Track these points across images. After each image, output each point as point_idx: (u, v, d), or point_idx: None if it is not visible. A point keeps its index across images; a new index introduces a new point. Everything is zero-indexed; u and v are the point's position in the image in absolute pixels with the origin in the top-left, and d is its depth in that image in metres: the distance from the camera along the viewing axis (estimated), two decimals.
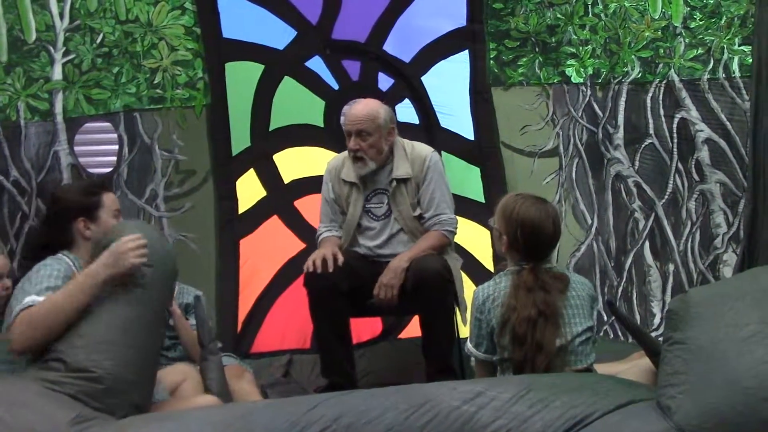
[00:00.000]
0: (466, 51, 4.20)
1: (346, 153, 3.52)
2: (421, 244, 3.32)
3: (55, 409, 2.06)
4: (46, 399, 2.10)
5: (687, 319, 1.88)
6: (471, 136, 4.24)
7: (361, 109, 3.39)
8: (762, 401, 1.66)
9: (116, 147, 4.14)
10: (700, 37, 3.82)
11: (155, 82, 4.13)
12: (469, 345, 2.51)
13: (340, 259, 3.25)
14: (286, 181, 4.26)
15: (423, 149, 3.49)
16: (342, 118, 3.47)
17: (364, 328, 4.03)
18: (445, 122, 4.26)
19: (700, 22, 3.81)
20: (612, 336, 3.93)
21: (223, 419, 1.99)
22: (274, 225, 4.22)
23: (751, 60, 3.67)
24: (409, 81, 4.23)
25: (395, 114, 3.60)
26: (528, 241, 2.42)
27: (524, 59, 4.13)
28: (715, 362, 1.76)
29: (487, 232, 4.03)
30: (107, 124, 4.13)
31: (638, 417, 1.79)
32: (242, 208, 4.22)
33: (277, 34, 4.22)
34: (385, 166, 3.42)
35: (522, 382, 1.99)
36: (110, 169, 4.11)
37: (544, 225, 2.42)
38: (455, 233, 3.46)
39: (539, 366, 2.28)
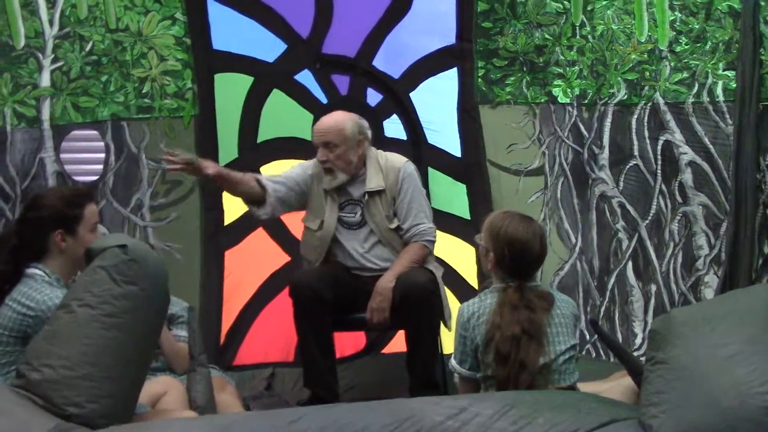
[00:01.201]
0: (455, 68, 4.24)
1: None
2: (403, 259, 3.33)
3: (31, 417, 2.03)
4: (23, 408, 2.07)
5: (669, 339, 1.90)
6: (458, 153, 4.27)
7: (328, 121, 3.44)
8: (742, 421, 1.68)
9: (103, 155, 4.13)
10: (686, 61, 3.87)
11: (144, 91, 4.13)
12: (453, 362, 2.52)
13: (210, 173, 3.27)
14: None
15: (397, 160, 3.51)
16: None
17: (348, 343, 4.03)
18: (432, 139, 4.29)
19: (686, 47, 3.87)
20: (594, 355, 3.95)
21: (204, 431, 1.98)
22: (259, 237, 4.22)
23: (734, 85, 3.73)
24: (397, 97, 4.26)
25: (370, 126, 3.59)
26: (515, 259, 2.43)
27: (512, 78, 4.17)
28: (696, 382, 1.78)
29: (472, 249, 4.05)
30: (94, 132, 4.12)
31: None
32: (228, 219, 4.22)
33: (267, 46, 4.24)
34: (358, 178, 3.44)
35: (505, 399, 2.00)
36: (96, 177, 4.09)
37: (531, 244, 2.44)
38: (434, 242, 3.48)
39: (522, 384, 2.29)
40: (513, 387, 2.31)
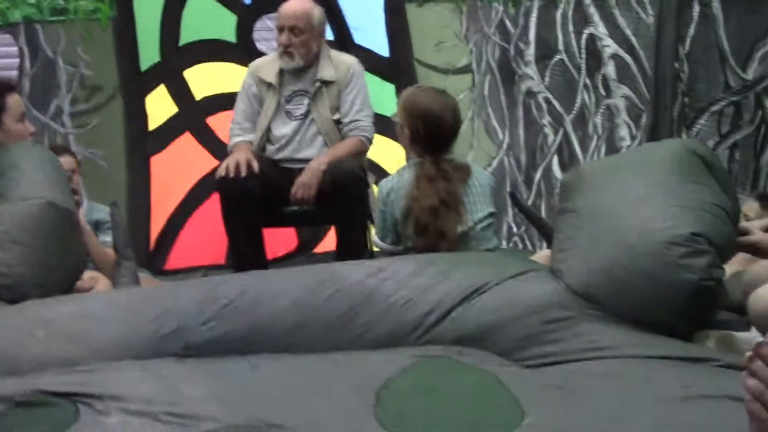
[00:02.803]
0: None
1: (266, 56, 3.49)
2: (339, 148, 3.32)
3: None
4: None
5: (579, 189, 1.95)
6: (386, 53, 4.24)
7: (296, 5, 3.39)
8: (644, 256, 1.75)
9: (17, 60, 3.97)
10: None
11: None
12: (375, 237, 2.55)
13: (255, 165, 3.23)
14: (197, 98, 4.17)
15: (348, 58, 3.50)
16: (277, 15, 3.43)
17: (280, 243, 4.04)
18: (359, 39, 4.24)
19: None
20: (521, 247, 4.05)
21: (127, 300, 1.98)
22: (186, 142, 4.15)
23: None
24: None
25: None
26: (429, 132, 2.45)
27: None
28: (603, 224, 1.84)
29: (401, 148, 4.06)
30: (6, 36, 3.95)
31: (532, 281, 1.86)
32: (152, 125, 4.13)
33: None
34: (309, 69, 3.40)
35: (424, 258, 2.04)
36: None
37: (444, 116, 2.46)
38: (372, 141, 3.47)
39: (442, 252, 2.33)
40: None
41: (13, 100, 2.66)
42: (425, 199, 2.38)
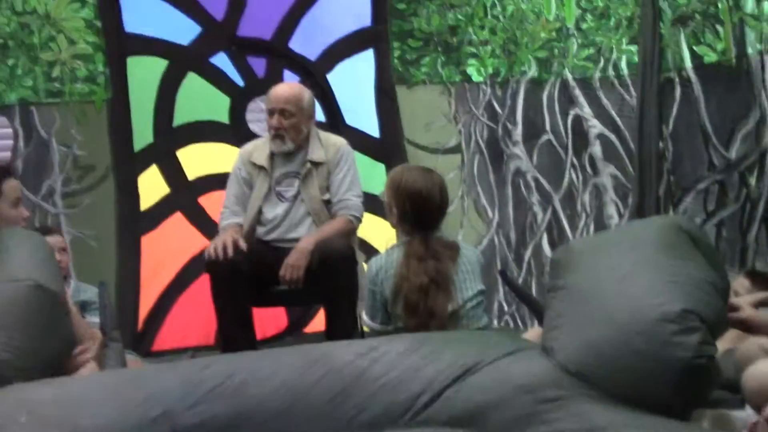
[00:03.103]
0: (371, 50, 4.28)
1: (257, 140, 3.54)
2: (326, 228, 3.33)
3: None
4: None
5: (568, 266, 1.96)
6: (376, 134, 4.31)
7: (286, 89, 3.45)
8: (635, 334, 1.74)
9: (11, 141, 4.01)
10: (592, 37, 4.02)
11: (53, 75, 4.04)
12: (364, 317, 2.53)
13: (243, 245, 3.23)
14: (190, 178, 4.21)
15: (337, 139, 3.55)
16: (266, 99, 3.48)
17: (269, 323, 4.00)
18: (350, 120, 4.32)
19: (592, 24, 4.02)
20: (512, 326, 4.03)
21: (114, 382, 1.94)
22: (177, 222, 4.16)
23: (637, 59, 3.88)
24: (314, 79, 4.27)
25: None
26: (417, 211, 2.47)
27: (427, 59, 4.24)
28: (593, 302, 1.84)
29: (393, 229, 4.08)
30: (2, 119, 4.00)
31: (524, 360, 1.84)
32: (144, 204, 4.15)
33: (182, 29, 4.21)
34: (299, 151, 3.44)
35: (415, 338, 2.02)
36: (4, 164, 3.96)
37: (431, 194, 2.48)
38: (361, 220, 3.48)
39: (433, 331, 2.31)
40: None
41: (9, 186, 2.66)
42: (415, 277, 2.38)
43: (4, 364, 2.02)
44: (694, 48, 3.79)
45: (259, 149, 3.45)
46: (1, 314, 2.11)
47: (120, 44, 4.11)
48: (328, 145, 3.47)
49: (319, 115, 4.30)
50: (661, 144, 3.78)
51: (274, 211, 3.38)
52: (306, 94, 3.46)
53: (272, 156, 3.39)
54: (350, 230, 3.42)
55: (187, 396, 1.81)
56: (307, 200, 3.40)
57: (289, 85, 3.51)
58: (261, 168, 3.41)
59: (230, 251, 3.18)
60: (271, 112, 3.40)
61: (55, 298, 2.22)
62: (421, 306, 2.35)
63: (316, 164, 3.41)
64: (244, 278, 3.23)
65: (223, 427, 1.77)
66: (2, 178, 2.67)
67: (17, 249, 2.29)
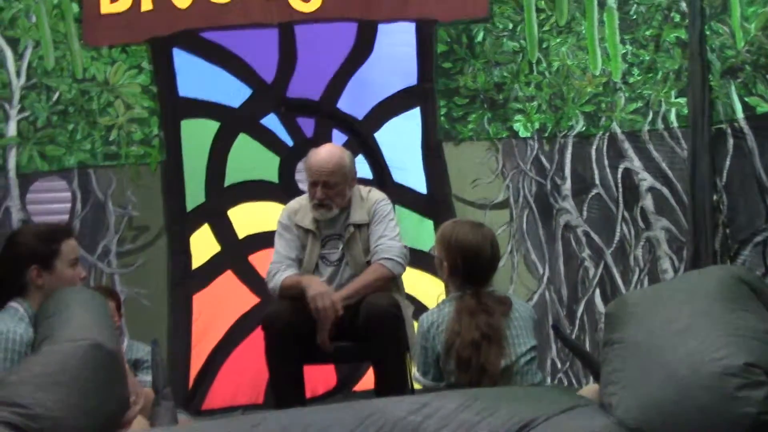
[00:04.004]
0: (418, 108, 4.33)
1: (301, 198, 3.54)
2: (358, 279, 3.30)
3: None
4: None
5: (623, 320, 1.92)
6: (424, 190, 4.32)
7: (327, 159, 3.35)
8: (697, 389, 1.69)
9: (69, 205, 4.13)
10: (639, 91, 4.00)
11: (110, 139, 4.17)
12: (416, 373, 2.50)
13: (340, 310, 3.20)
14: (240, 237, 4.26)
15: (376, 194, 3.53)
16: (305, 167, 3.47)
17: (319, 381, 3.98)
18: (398, 177, 4.34)
19: (638, 77, 4.01)
20: (566, 383, 3.93)
21: None
22: (227, 280, 4.20)
23: (686, 110, 3.85)
24: (362, 137, 4.32)
25: None
26: (468, 265, 2.45)
27: (473, 115, 4.27)
28: (651, 356, 1.79)
29: (442, 284, 4.05)
30: (61, 181, 4.14)
31: (582, 416, 1.79)
32: (196, 263, 4.20)
33: (233, 92, 4.32)
34: (342, 212, 3.43)
35: (468, 394, 1.99)
36: None
37: (482, 248, 2.47)
38: (401, 263, 3.38)
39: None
40: None
41: (68, 246, 2.72)
42: (467, 333, 2.35)
43: (59, 422, 2.04)
44: (746, 99, 3.75)
45: (304, 210, 3.45)
46: (59, 372, 2.14)
47: (174, 108, 4.24)
48: (369, 202, 3.46)
49: (367, 173, 4.35)
50: (715, 196, 3.71)
51: (322, 275, 3.38)
52: (346, 158, 3.40)
53: (317, 220, 3.40)
54: (384, 276, 3.32)
55: None
56: (352, 263, 3.39)
57: (329, 153, 3.39)
58: (308, 231, 3.42)
59: (331, 315, 3.18)
60: (314, 184, 3.36)
61: (113, 357, 2.25)
62: (473, 361, 2.32)
63: (359, 226, 3.41)
64: (299, 339, 3.22)
65: None
66: (62, 238, 2.74)
67: (75, 307, 2.33)
